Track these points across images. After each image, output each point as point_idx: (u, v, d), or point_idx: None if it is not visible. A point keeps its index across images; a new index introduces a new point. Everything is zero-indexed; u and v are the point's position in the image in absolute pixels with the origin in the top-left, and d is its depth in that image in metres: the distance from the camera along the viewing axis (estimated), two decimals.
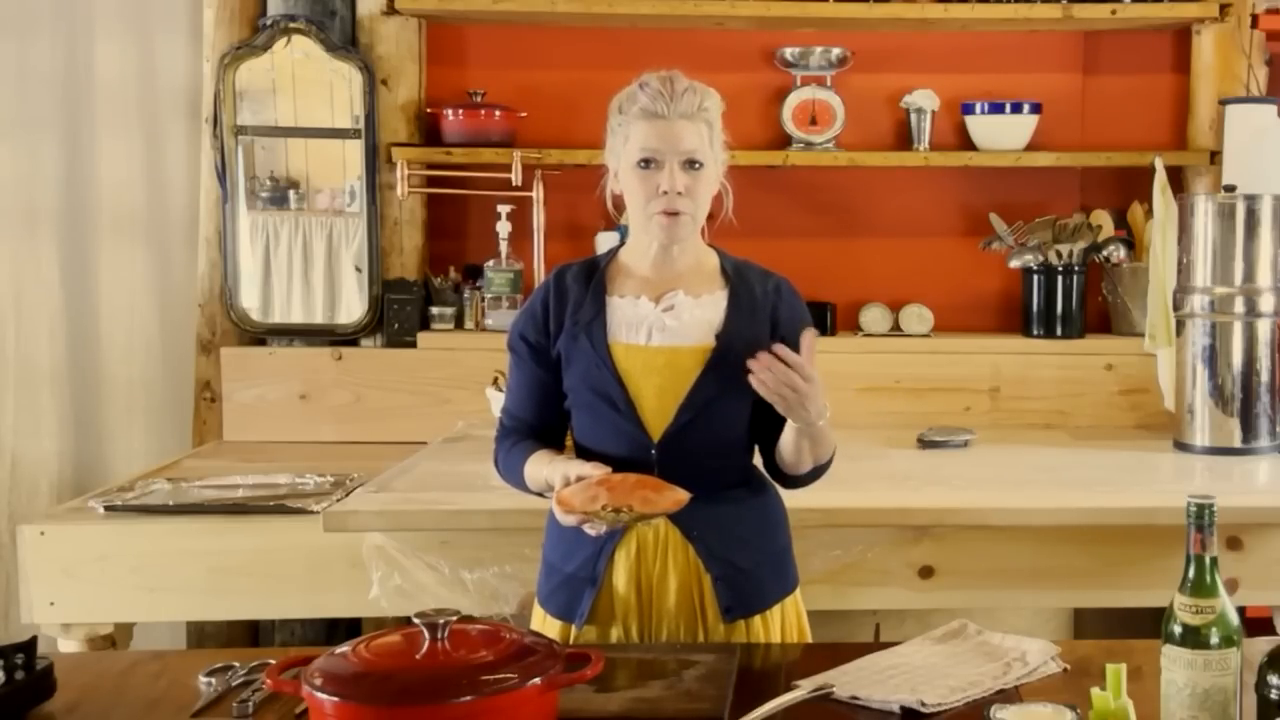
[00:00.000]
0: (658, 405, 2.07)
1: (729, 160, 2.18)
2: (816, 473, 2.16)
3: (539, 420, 2.18)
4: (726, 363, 2.07)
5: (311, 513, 2.82)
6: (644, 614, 2.10)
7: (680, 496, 1.96)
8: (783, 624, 2.16)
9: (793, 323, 2.13)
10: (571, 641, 2.10)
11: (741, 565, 2.11)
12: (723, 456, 2.11)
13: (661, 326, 2.09)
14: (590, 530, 1.98)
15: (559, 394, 2.15)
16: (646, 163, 2.06)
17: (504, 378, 3.18)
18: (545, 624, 2.16)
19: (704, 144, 2.07)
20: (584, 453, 2.14)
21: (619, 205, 2.17)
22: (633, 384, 2.08)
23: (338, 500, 2.87)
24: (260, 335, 3.77)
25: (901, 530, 2.79)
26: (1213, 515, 1.58)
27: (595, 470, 1.97)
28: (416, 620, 1.58)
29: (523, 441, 2.16)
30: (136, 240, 3.85)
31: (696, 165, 2.06)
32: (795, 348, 2.10)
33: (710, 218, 2.16)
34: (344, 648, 1.58)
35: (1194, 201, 3.36)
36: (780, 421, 2.09)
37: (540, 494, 2.13)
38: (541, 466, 2.08)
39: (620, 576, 2.09)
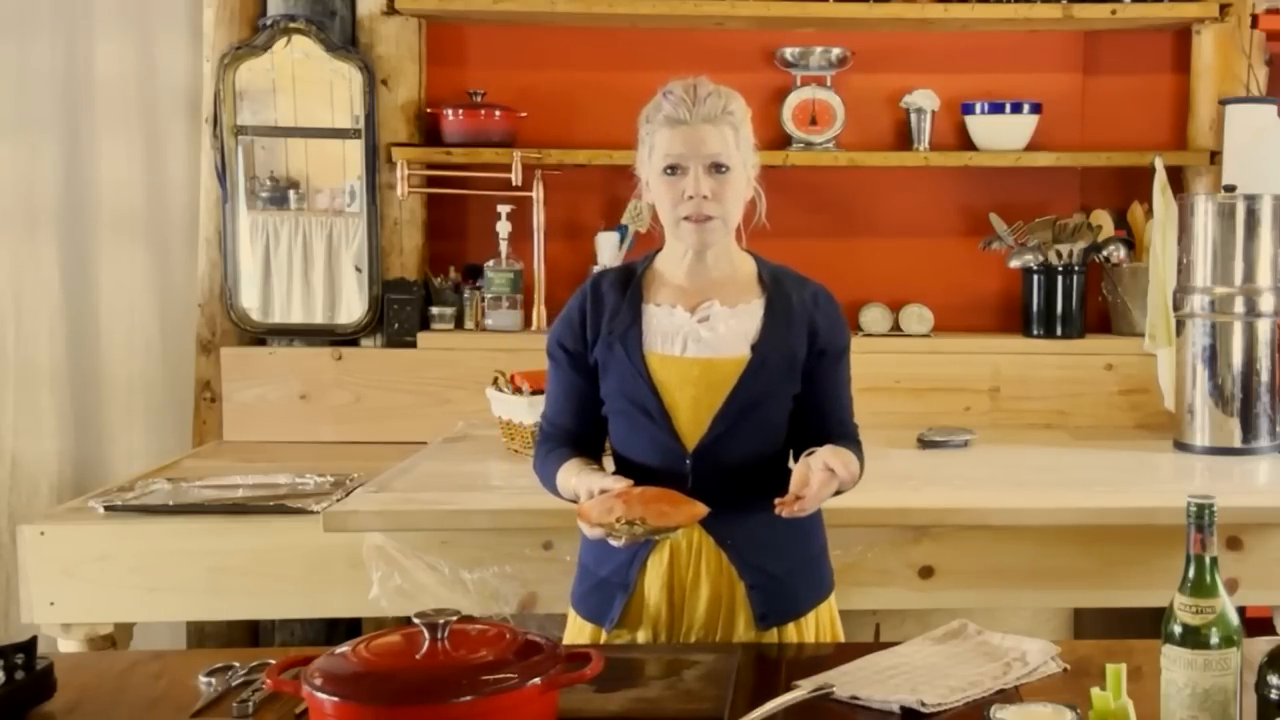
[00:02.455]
0: (693, 416, 2.07)
1: (759, 165, 2.15)
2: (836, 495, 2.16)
3: (578, 427, 2.18)
4: (762, 373, 2.07)
5: (311, 513, 2.82)
6: (675, 620, 2.10)
7: (697, 511, 1.96)
8: (816, 629, 2.15)
9: (831, 333, 2.14)
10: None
11: (775, 573, 2.10)
12: (757, 466, 2.09)
13: (697, 337, 2.09)
14: (614, 542, 1.97)
15: (597, 401, 2.15)
16: (672, 169, 2.05)
17: (504, 378, 3.20)
18: (577, 627, 2.17)
19: (729, 147, 2.06)
20: (621, 460, 2.14)
21: (655, 216, 2.14)
22: (668, 395, 2.07)
23: (338, 500, 2.87)
24: (260, 335, 3.77)
25: (901, 530, 2.79)
26: (1213, 515, 1.58)
27: (617, 484, 1.98)
28: (416, 620, 1.58)
29: (559, 449, 2.16)
30: (136, 240, 3.85)
31: (722, 169, 2.05)
32: (834, 358, 2.14)
33: (745, 221, 2.15)
34: (344, 648, 1.58)
35: (1194, 201, 3.36)
36: (817, 435, 2.11)
37: (573, 502, 2.13)
38: (570, 476, 2.09)
39: (653, 582, 2.10)
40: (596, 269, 3.71)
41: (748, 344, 2.09)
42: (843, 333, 2.18)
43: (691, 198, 2.04)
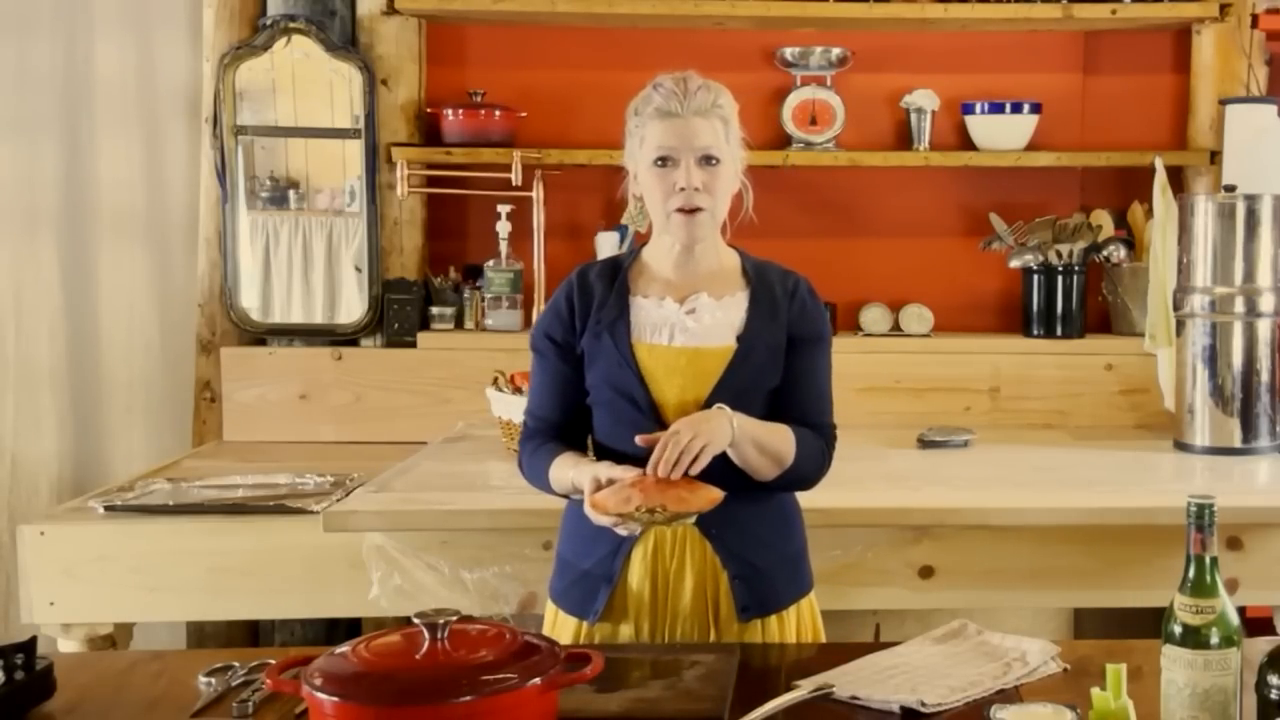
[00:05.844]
0: (679, 405, 2.07)
1: (747, 159, 2.17)
2: (792, 480, 2.12)
3: (564, 419, 2.17)
4: (747, 364, 2.09)
5: (311, 513, 2.82)
6: (658, 612, 2.10)
7: (714, 495, 1.96)
8: (798, 625, 2.16)
9: (802, 323, 2.14)
10: (584, 638, 2.11)
11: (759, 565, 2.11)
12: None
13: (684, 328, 2.10)
14: (623, 531, 1.98)
15: (583, 392, 2.15)
16: (663, 161, 2.07)
17: (503, 377, 3.20)
18: (558, 620, 2.17)
19: (720, 140, 2.08)
20: (604, 452, 2.14)
21: (643, 208, 2.16)
22: (655, 384, 2.08)
23: (338, 500, 2.87)
24: (260, 335, 3.77)
25: (901, 530, 2.79)
26: (1213, 515, 1.58)
27: (626, 472, 1.97)
28: (416, 620, 1.58)
29: (548, 443, 2.15)
30: (136, 240, 3.86)
31: (713, 161, 2.07)
32: (808, 344, 2.12)
33: (731, 215, 2.16)
34: (344, 648, 1.58)
35: (1194, 201, 3.36)
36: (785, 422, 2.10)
37: (566, 496, 2.13)
38: (568, 469, 2.08)
39: (636, 574, 2.10)
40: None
41: (734, 334, 2.10)
42: (817, 321, 2.17)
43: (683, 189, 2.05)
